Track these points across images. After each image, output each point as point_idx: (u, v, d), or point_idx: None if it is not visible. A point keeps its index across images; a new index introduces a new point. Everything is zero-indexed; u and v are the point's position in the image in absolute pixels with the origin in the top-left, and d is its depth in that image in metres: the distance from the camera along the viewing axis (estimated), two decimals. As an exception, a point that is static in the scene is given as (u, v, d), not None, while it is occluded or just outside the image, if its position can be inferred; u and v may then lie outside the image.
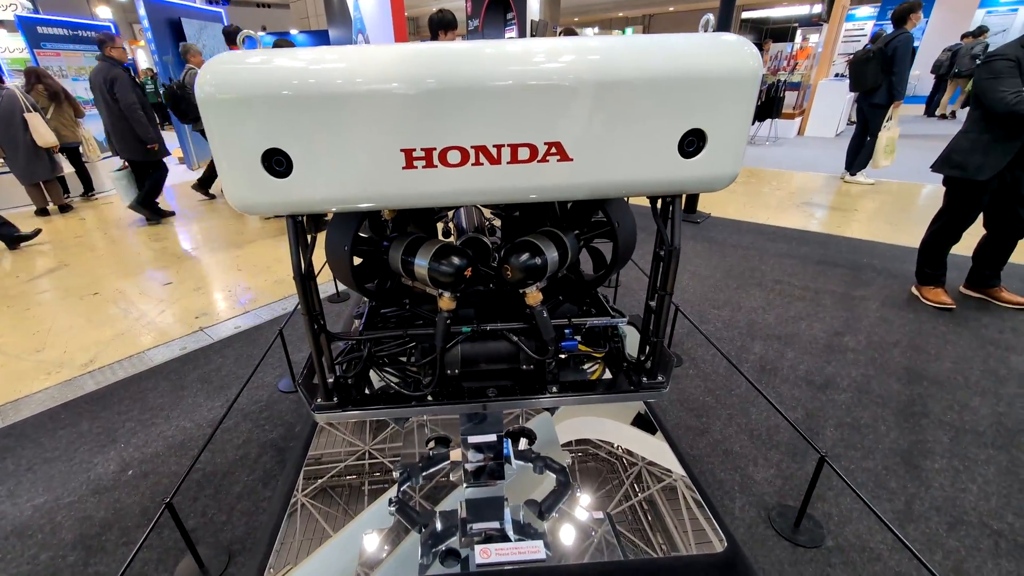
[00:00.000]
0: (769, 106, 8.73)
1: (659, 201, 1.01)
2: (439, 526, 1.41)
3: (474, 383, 1.18)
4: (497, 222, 2.05)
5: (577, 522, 1.42)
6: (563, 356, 1.20)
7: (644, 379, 1.16)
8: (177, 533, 1.64)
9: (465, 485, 1.49)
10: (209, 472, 2.12)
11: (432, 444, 1.76)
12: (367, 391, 1.21)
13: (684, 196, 0.94)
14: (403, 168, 0.83)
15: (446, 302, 1.09)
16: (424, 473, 1.63)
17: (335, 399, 1.11)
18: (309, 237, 0.98)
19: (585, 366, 1.29)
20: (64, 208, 5.94)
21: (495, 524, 1.37)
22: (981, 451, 2.14)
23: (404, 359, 1.25)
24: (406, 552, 1.36)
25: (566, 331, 1.18)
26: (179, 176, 8.27)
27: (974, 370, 2.67)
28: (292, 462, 1.73)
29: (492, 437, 1.42)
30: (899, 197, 5.91)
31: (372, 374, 1.23)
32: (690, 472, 1.58)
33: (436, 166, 0.82)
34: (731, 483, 2.01)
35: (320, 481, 1.66)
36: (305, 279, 0.97)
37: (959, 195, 3.03)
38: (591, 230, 1.18)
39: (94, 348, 3.08)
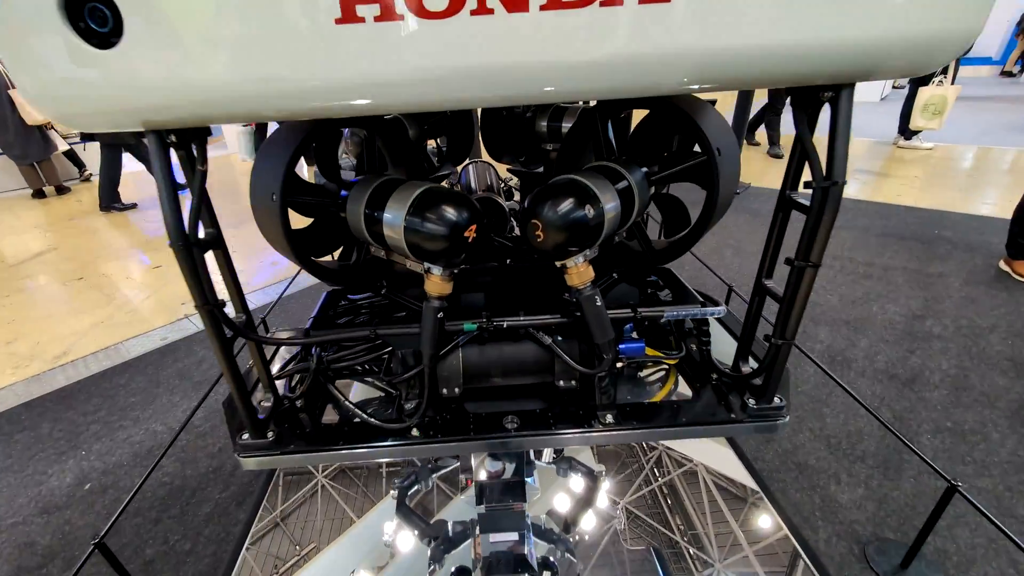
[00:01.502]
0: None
1: (803, 101, 0.59)
2: (447, 536, 1.20)
3: (483, 406, 0.78)
4: (515, 181, 1.64)
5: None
6: (620, 364, 0.79)
7: (752, 401, 0.75)
8: (132, 565, 1.32)
9: (477, 506, 1.18)
10: (176, 487, 1.79)
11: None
12: (331, 416, 0.83)
13: (854, 90, 0.47)
14: (337, 22, 0.43)
15: (437, 283, 0.70)
16: (433, 476, 1.37)
17: (269, 434, 0.74)
18: (196, 168, 0.60)
19: (644, 372, 0.88)
20: (61, 190, 5.68)
21: (513, 537, 1.12)
22: None
23: (379, 370, 0.87)
24: (411, 562, 1.28)
25: (626, 327, 0.78)
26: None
27: (1095, 361, 2.20)
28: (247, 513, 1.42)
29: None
30: (965, 162, 5.29)
31: (335, 395, 0.85)
32: (787, 518, 1.19)
33: (401, 17, 0.43)
34: (810, 506, 1.60)
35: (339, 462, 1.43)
36: (189, 244, 0.59)
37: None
38: (670, 165, 0.77)
39: (69, 339, 2.78)
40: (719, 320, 0.96)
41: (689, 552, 1.38)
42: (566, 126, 1.11)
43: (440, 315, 0.71)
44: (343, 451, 0.73)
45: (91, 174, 6.29)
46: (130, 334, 2.78)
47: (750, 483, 1.53)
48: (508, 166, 1.41)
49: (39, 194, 5.56)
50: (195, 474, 1.84)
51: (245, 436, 0.75)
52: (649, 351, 0.83)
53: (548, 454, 1.45)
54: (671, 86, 0.50)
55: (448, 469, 1.53)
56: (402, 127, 0.97)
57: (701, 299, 0.81)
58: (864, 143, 6.32)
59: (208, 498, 1.74)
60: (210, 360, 2.50)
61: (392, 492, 1.52)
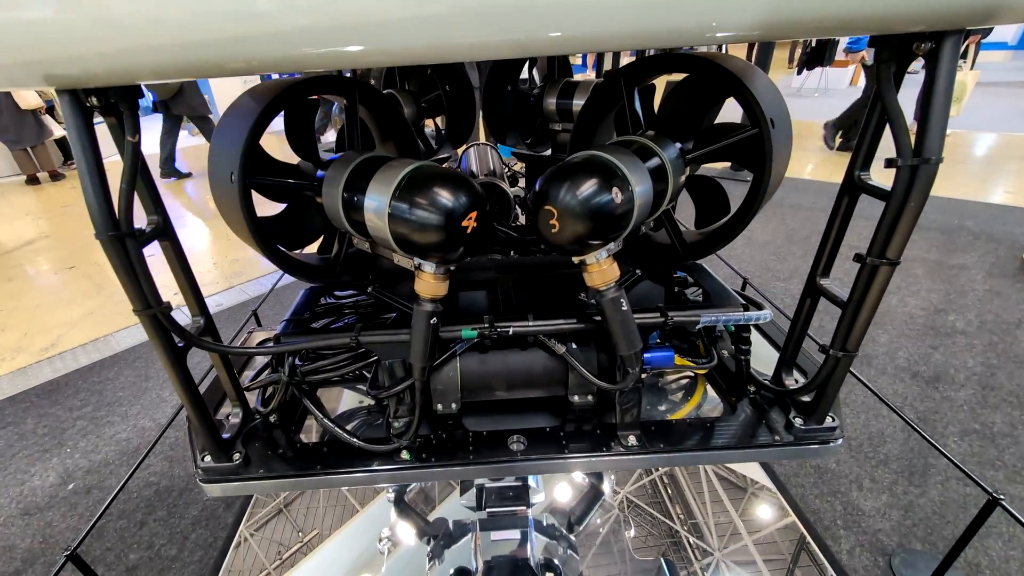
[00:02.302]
0: (820, 52, 7.79)
1: (890, 53, 0.48)
2: (448, 534, 1.13)
3: (485, 423, 0.68)
4: (520, 166, 1.52)
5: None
6: (645, 374, 0.68)
7: (800, 421, 0.65)
8: (113, 572, 1.24)
9: (478, 515, 1.10)
10: (163, 488, 1.71)
11: None
12: (308, 433, 0.73)
13: (960, 39, 0.34)
14: None
15: (429, 283, 0.58)
16: (413, 490, 1.29)
17: (236, 456, 0.64)
18: (125, 140, 0.49)
19: (664, 380, 0.78)
20: (55, 176, 5.57)
21: (515, 535, 1.05)
22: None
23: (367, 378, 0.77)
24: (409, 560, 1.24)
25: (653, 334, 0.67)
26: (181, 141, 7.84)
27: None
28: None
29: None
30: (984, 149, 5.12)
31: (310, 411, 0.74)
32: (820, 543, 1.10)
33: None
34: (830, 515, 1.50)
35: None
36: (121, 235, 0.49)
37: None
38: (708, 140, 0.64)
39: (58, 330, 2.69)
40: (759, 330, 0.85)
41: (689, 541, 1.36)
42: (577, 103, 1.00)
43: (434, 320, 0.59)
44: (320, 476, 0.63)
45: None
46: (120, 325, 2.69)
47: (754, 473, 1.47)
48: (512, 148, 1.30)
49: (32, 180, 5.45)
50: (183, 474, 1.76)
51: (207, 458, 0.65)
52: (679, 360, 0.72)
53: None
54: (730, 30, 0.39)
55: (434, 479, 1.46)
56: (393, 98, 0.86)
57: (744, 301, 0.69)
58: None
59: (196, 500, 1.66)
60: (203, 353, 2.41)
61: (389, 491, 1.45)
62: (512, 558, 1.07)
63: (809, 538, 1.29)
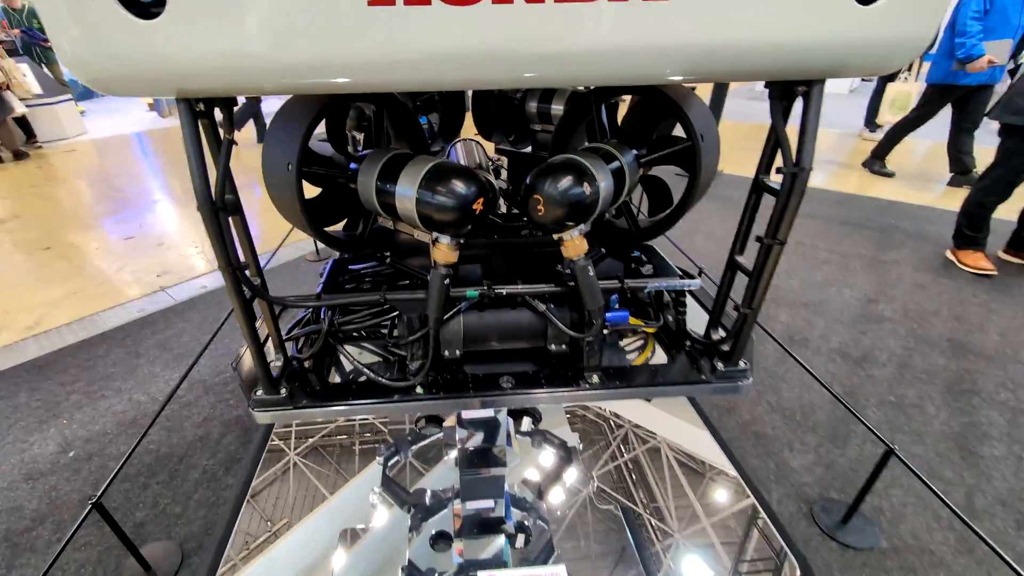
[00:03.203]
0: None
1: (779, 93, 0.67)
2: (427, 502, 1.26)
3: (481, 368, 0.86)
4: (503, 161, 1.69)
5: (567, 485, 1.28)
6: (606, 331, 0.88)
7: (721, 365, 0.85)
8: (126, 527, 1.37)
9: (459, 471, 1.25)
10: (163, 455, 1.83)
11: (422, 422, 1.49)
12: (332, 378, 0.89)
13: (824, 85, 0.56)
14: (369, 3, 0.48)
15: (444, 252, 0.76)
16: (413, 448, 1.43)
17: (282, 391, 0.79)
18: (223, 136, 0.64)
19: (624, 342, 0.97)
20: (19, 155, 5.42)
21: (491, 504, 1.21)
22: (1043, 435, 1.90)
23: (384, 334, 0.93)
24: (391, 528, 1.30)
25: (612, 298, 0.86)
26: (148, 123, 7.69)
27: (1023, 343, 2.42)
28: (239, 482, 1.46)
29: (490, 413, 1.15)
30: (923, 156, 5.55)
31: (343, 356, 0.91)
32: (752, 485, 1.31)
33: (428, 1, 0.48)
34: (765, 471, 1.75)
35: (311, 440, 1.47)
36: (215, 208, 0.64)
37: (1018, 145, 2.69)
38: (657, 149, 0.84)
39: (40, 309, 2.73)
40: (693, 296, 1.06)
41: (651, 523, 1.48)
42: (555, 108, 1.17)
43: (446, 281, 0.77)
44: (353, 406, 0.79)
45: (41, 144, 5.99)
46: (105, 305, 2.75)
47: (715, 453, 1.66)
48: (496, 145, 1.47)
49: (-5, 159, 5.30)
50: (181, 442, 1.88)
51: (259, 392, 0.81)
52: (632, 320, 0.92)
53: (527, 423, 1.54)
54: (662, 76, 0.57)
55: (428, 441, 1.60)
56: (406, 104, 1.02)
57: (680, 272, 0.90)
58: (833, 134, 6.55)
59: (196, 464, 1.78)
60: (191, 332, 2.51)
61: (378, 459, 1.58)
62: (486, 516, 1.24)
63: (765, 516, 1.42)
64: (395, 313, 0.86)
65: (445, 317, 0.82)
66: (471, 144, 1.51)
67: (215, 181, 0.64)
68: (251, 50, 0.50)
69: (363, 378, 0.84)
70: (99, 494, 1.31)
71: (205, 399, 2.06)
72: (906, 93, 5.28)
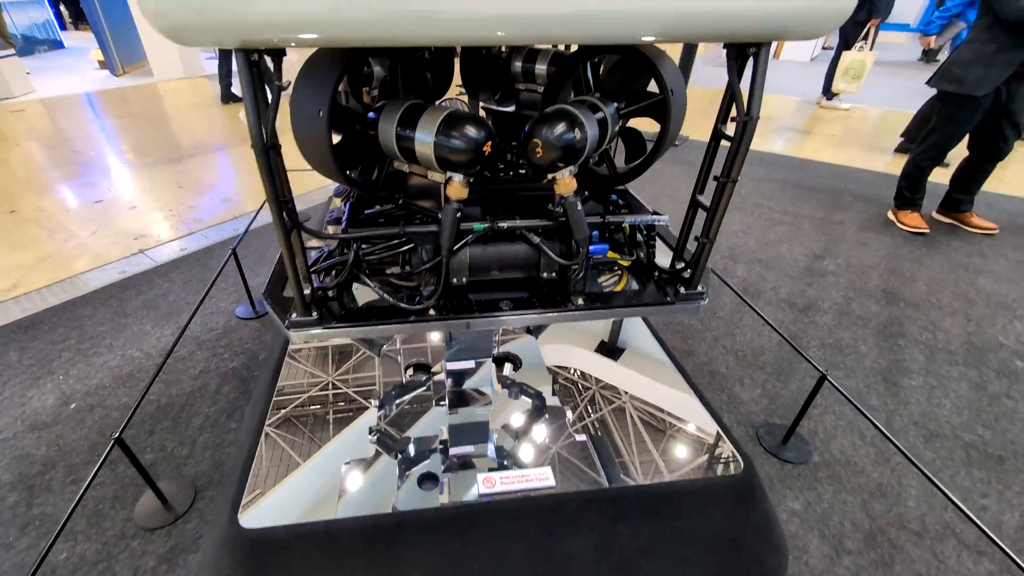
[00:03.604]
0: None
1: (734, 53, 0.81)
2: (413, 451, 1.34)
3: (482, 295, 1.00)
4: (489, 120, 1.81)
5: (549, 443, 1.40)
6: (589, 260, 1.03)
7: (683, 289, 1.01)
8: (132, 469, 1.48)
9: (448, 411, 1.39)
10: (164, 404, 1.93)
11: (411, 371, 1.63)
12: (349, 307, 1.01)
13: (772, 47, 0.73)
14: None
15: (457, 189, 0.87)
16: (400, 400, 1.54)
17: (314, 314, 0.92)
18: (275, 83, 0.71)
19: (602, 279, 1.13)
20: (-37, 115, 5.12)
21: (474, 449, 1.31)
22: (953, 368, 2.19)
23: (396, 266, 1.05)
24: (381, 474, 1.32)
25: (593, 233, 1.01)
26: (100, 82, 7.29)
27: (946, 292, 2.72)
28: (262, 387, 1.56)
29: (471, 365, 1.30)
30: (874, 124, 5.86)
31: (355, 288, 1.03)
32: (701, 397, 1.51)
33: None
34: (718, 403, 1.99)
35: (284, 411, 1.53)
36: (268, 150, 0.73)
37: (952, 112, 2.94)
38: (634, 102, 0.97)
39: (16, 272, 2.71)
40: (661, 238, 1.22)
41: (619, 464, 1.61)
42: (539, 68, 1.29)
43: (458, 215, 0.89)
44: (375, 326, 0.92)
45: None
46: (83, 268, 2.75)
47: (679, 397, 1.82)
48: (482, 104, 1.57)
49: (-64, 119, 5.00)
50: (180, 393, 1.98)
51: (294, 315, 0.92)
52: (610, 254, 1.08)
53: (508, 369, 1.70)
54: (637, 37, 0.70)
55: (413, 394, 1.72)
56: (419, 60, 1.10)
57: (651, 211, 1.05)
58: (792, 101, 6.79)
59: (198, 412, 1.89)
60: (176, 292, 2.56)
61: (372, 402, 1.70)
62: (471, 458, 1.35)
63: (724, 435, 1.53)
64: (404, 249, 0.97)
65: (456, 247, 0.95)
66: (457, 103, 1.61)
67: (267, 124, 0.72)
68: (308, 7, 0.60)
69: (383, 305, 0.96)
70: (119, 431, 1.42)
71: (199, 353, 2.15)
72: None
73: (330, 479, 1.30)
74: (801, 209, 3.62)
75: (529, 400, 1.54)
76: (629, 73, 0.98)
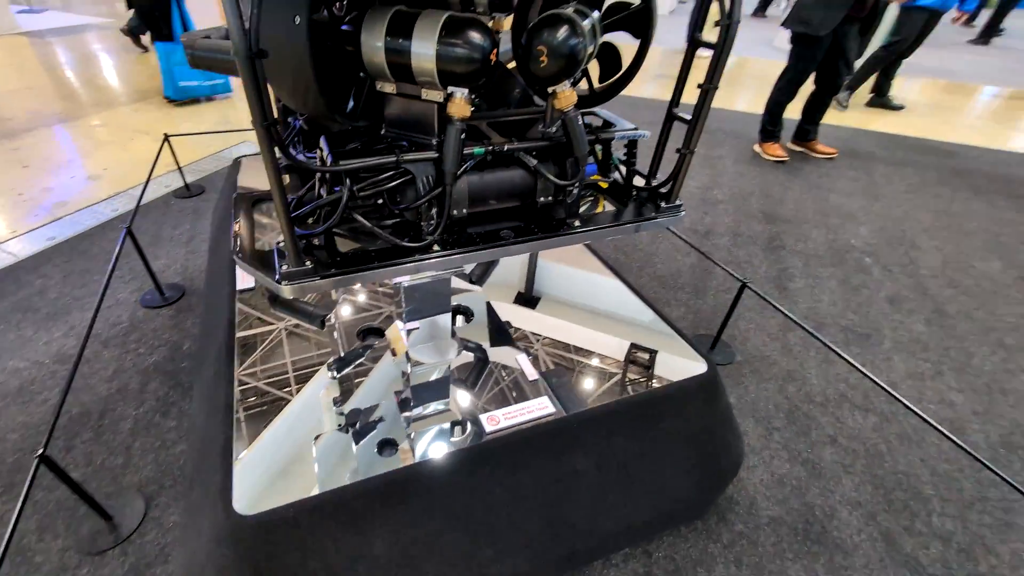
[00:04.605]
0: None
1: None
2: (360, 424, 1.28)
3: (479, 228, 0.98)
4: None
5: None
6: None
7: (663, 203, 1.08)
8: (52, 494, 1.31)
9: (411, 367, 1.34)
10: (77, 415, 1.68)
11: (364, 338, 1.58)
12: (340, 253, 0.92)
13: None
14: None
15: (460, 106, 0.76)
16: (354, 365, 1.47)
17: (307, 263, 0.83)
18: None
19: (581, 205, 1.17)
20: None
21: (442, 405, 1.30)
22: (824, 270, 2.63)
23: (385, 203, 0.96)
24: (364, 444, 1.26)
25: None
26: None
27: (808, 208, 3.21)
28: (213, 370, 1.41)
29: (432, 319, 1.24)
30: (735, 70, 6.49)
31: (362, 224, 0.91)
32: (655, 308, 1.66)
33: None
34: (653, 325, 2.20)
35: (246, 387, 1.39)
36: (252, 55, 0.59)
37: (802, 50, 3.38)
38: (613, 13, 0.91)
39: None
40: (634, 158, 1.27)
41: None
42: None
43: (462, 136, 0.79)
44: (376, 270, 0.86)
45: None
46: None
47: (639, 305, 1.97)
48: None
49: None
50: (95, 399, 1.73)
51: (284, 267, 0.80)
52: (595, 177, 1.13)
53: (460, 321, 1.70)
54: None
55: (367, 356, 1.62)
56: None
57: (633, 126, 1.09)
58: (657, 50, 7.26)
59: (124, 416, 1.68)
60: (56, 288, 2.17)
61: (327, 367, 1.60)
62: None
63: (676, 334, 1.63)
64: (394, 184, 0.88)
65: (459, 174, 0.85)
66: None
67: (249, 27, 0.58)
68: None
69: (380, 247, 0.89)
70: (42, 448, 1.23)
71: (107, 352, 1.88)
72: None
73: (304, 451, 1.22)
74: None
75: (472, 354, 1.50)
76: None
